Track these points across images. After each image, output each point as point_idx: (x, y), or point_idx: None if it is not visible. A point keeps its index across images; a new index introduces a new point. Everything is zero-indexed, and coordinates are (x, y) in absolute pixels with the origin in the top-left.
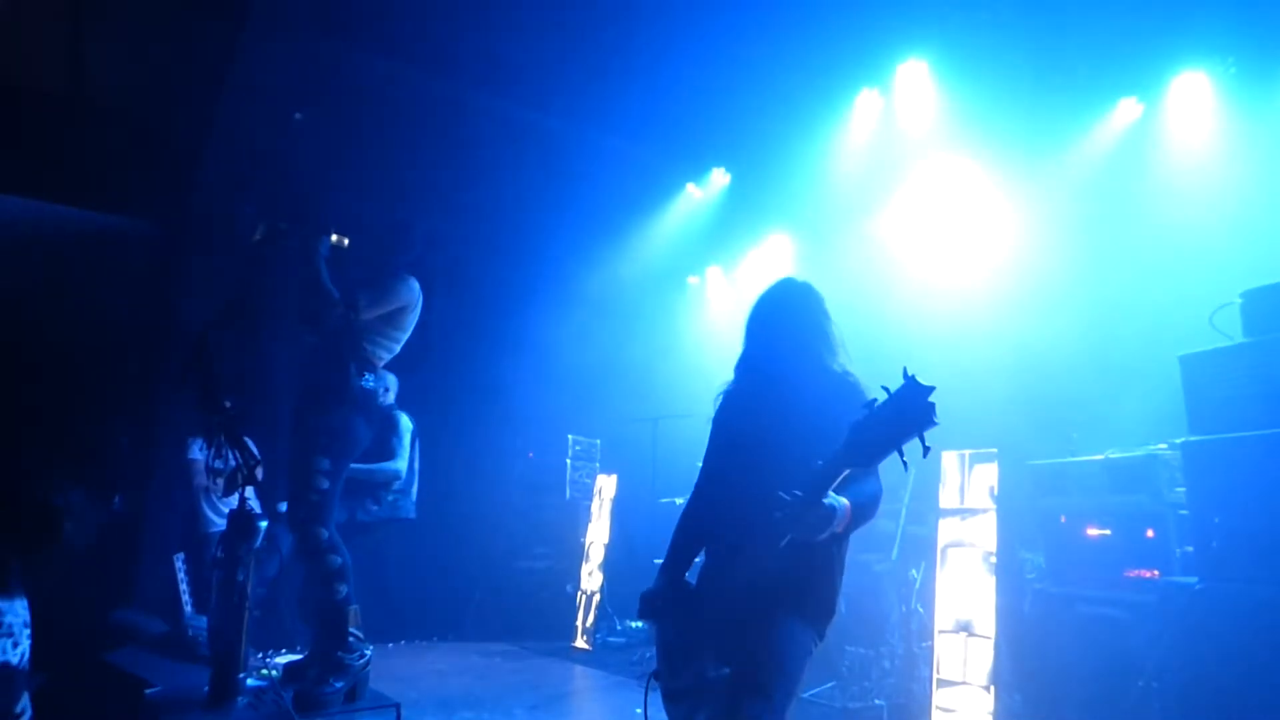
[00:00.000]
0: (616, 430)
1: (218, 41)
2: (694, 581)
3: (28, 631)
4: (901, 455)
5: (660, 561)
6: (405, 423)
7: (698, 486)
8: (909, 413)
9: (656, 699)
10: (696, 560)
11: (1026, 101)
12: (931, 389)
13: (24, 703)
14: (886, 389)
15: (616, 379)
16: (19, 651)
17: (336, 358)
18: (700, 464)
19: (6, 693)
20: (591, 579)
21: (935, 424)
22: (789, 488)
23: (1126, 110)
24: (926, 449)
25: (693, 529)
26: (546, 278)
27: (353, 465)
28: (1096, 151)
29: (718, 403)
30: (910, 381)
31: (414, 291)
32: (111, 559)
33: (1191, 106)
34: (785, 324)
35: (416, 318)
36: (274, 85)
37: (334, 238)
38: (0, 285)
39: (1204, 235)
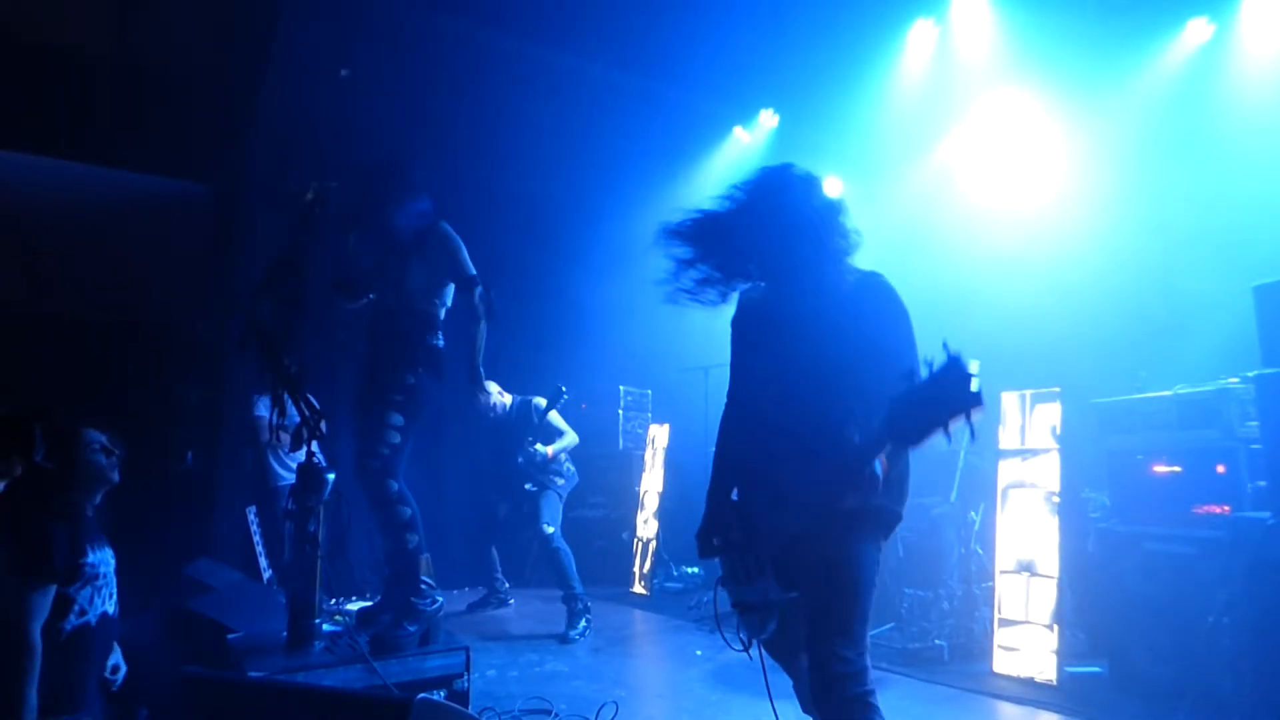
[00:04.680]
0: (668, 380)
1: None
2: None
3: (115, 581)
4: (947, 434)
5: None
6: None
7: (729, 412)
8: (950, 397)
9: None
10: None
11: (1090, 25)
12: (972, 375)
13: (118, 655)
14: (930, 364)
15: (666, 329)
16: (114, 601)
17: (407, 318)
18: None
19: (107, 641)
20: (647, 526)
21: (981, 406)
22: (826, 424)
23: (1196, 31)
24: (974, 435)
25: (732, 458)
26: (593, 228)
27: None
28: (1163, 76)
29: (735, 308)
30: (953, 361)
31: (452, 235)
32: (188, 512)
33: (1267, 25)
34: (793, 219)
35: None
36: (322, 42)
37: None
38: (60, 248)
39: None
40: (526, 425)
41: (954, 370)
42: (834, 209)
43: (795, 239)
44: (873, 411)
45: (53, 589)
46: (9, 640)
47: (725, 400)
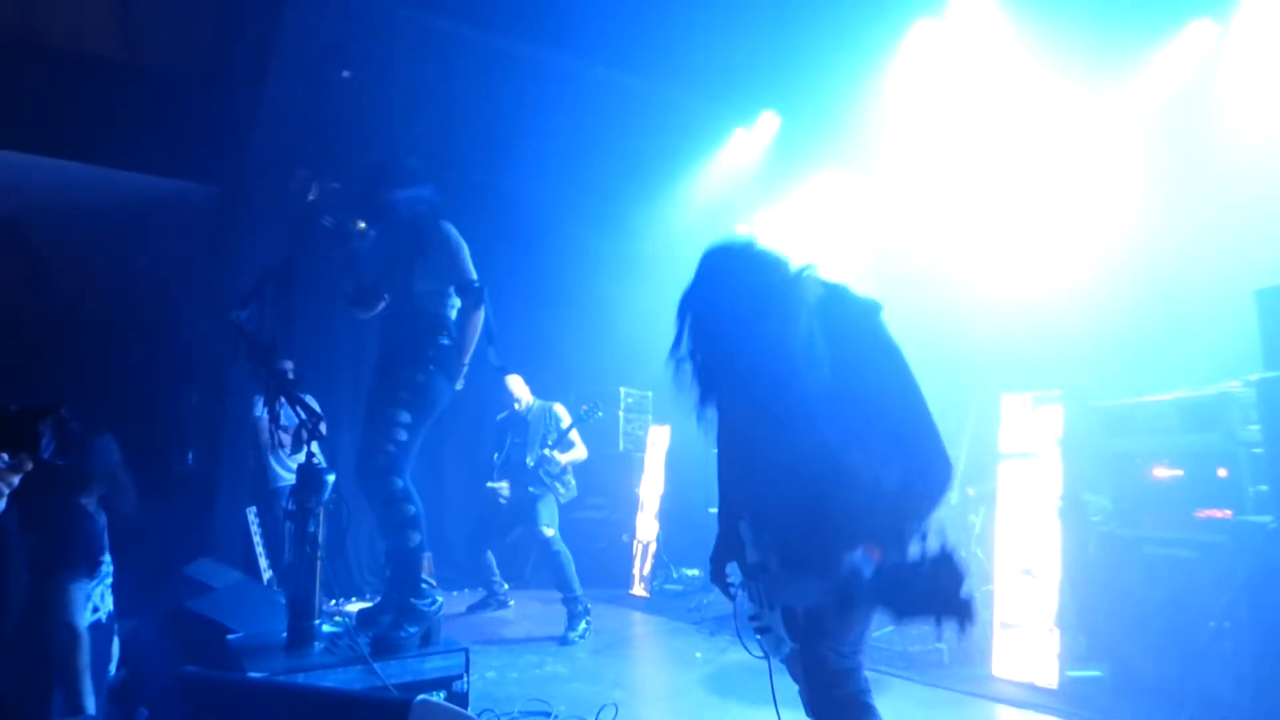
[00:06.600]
0: (668, 381)
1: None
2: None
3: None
4: (938, 630)
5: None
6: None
7: (722, 442)
8: (942, 600)
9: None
10: None
11: (1091, 26)
12: (964, 578)
13: (114, 646)
14: (924, 538)
15: (667, 330)
16: (112, 600)
17: (416, 319)
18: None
19: (111, 640)
20: (647, 529)
21: (972, 620)
22: (812, 485)
23: (1199, 32)
24: (962, 637)
25: (733, 485)
26: (594, 229)
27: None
28: (1166, 77)
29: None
30: (945, 558)
31: (453, 236)
32: (188, 512)
33: (1270, 27)
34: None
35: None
36: (324, 43)
37: (360, 225)
38: (63, 249)
39: None
40: (541, 430)
41: (947, 571)
42: (769, 292)
43: (743, 338)
44: (870, 448)
45: (87, 582)
46: (59, 634)
47: (717, 416)
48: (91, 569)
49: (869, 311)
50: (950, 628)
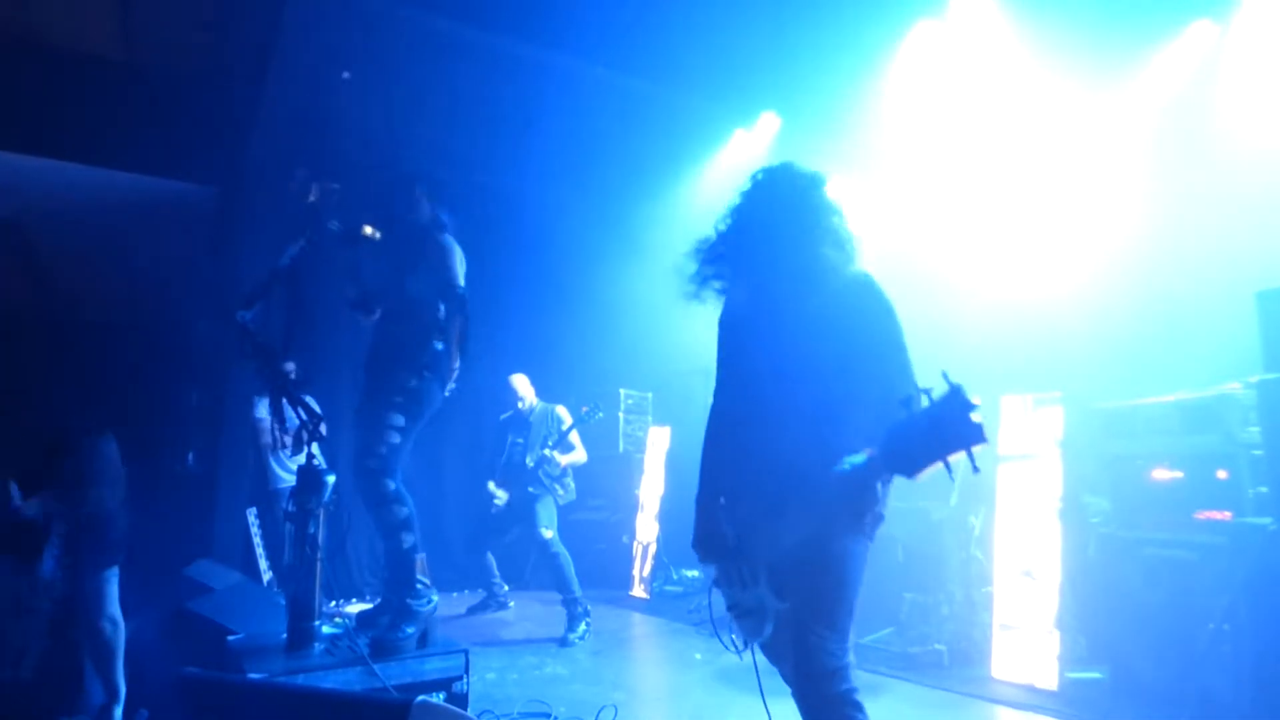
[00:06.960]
0: (668, 383)
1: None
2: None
3: None
4: (947, 466)
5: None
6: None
7: (716, 415)
8: (952, 431)
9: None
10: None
11: (1091, 26)
12: (974, 406)
13: None
14: (928, 393)
15: (667, 332)
16: None
17: (410, 323)
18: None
19: None
20: (647, 530)
21: (984, 441)
22: (818, 430)
23: (1199, 33)
24: (976, 468)
25: (721, 461)
26: (594, 230)
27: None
28: (1167, 78)
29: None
30: (954, 392)
31: (449, 246)
32: (188, 513)
33: (1269, 27)
34: (780, 221)
35: (464, 268)
36: (324, 43)
37: (367, 230)
38: (63, 250)
39: None
40: (544, 431)
41: (955, 402)
42: (826, 210)
43: (780, 239)
44: (863, 414)
45: (117, 575)
46: (103, 626)
47: (712, 402)
48: (121, 564)
49: (871, 279)
50: (962, 459)
